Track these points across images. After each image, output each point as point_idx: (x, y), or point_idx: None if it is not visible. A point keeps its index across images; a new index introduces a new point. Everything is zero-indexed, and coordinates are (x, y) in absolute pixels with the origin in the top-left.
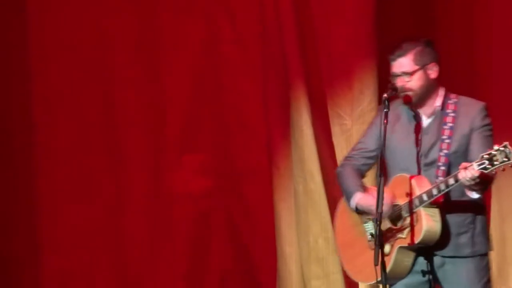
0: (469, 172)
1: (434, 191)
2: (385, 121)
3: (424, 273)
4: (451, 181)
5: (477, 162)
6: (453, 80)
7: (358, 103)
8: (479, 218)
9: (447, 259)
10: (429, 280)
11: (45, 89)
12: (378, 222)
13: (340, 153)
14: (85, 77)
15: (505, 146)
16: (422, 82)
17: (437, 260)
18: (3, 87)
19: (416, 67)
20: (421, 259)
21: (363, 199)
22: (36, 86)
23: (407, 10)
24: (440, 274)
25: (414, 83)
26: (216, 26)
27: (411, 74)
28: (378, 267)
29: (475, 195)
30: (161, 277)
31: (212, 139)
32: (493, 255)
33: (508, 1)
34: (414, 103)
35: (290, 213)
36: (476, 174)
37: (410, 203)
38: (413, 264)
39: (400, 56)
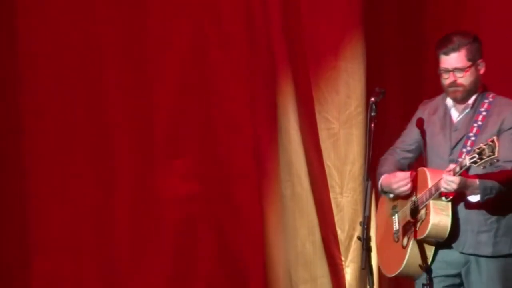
0: (447, 177)
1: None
2: (372, 125)
3: (451, 275)
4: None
5: (470, 155)
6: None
7: (345, 108)
8: (504, 218)
9: (471, 258)
10: (461, 282)
11: (34, 92)
12: (365, 226)
13: (328, 157)
14: (73, 81)
15: (492, 141)
16: (473, 78)
17: (461, 257)
18: None
19: (469, 63)
20: (448, 260)
21: (385, 178)
22: (25, 89)
23: (394, 12)
24: (463, 272)
25: (465, 79)
26: (203, 30)
27: (464, 70)
28: (397, 263)
29: (473, 198)
30: (147, 281)
31: (199, 143)
32: None
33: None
34: (460, 99)
35: (278, 217)
36: (452, 179)
37: (422, 196)
38: (433, 259)
39: (454, 50)
